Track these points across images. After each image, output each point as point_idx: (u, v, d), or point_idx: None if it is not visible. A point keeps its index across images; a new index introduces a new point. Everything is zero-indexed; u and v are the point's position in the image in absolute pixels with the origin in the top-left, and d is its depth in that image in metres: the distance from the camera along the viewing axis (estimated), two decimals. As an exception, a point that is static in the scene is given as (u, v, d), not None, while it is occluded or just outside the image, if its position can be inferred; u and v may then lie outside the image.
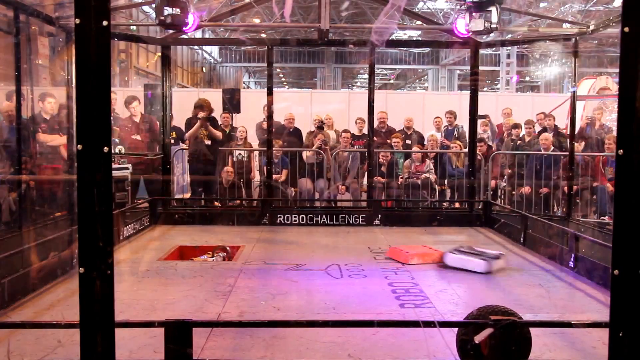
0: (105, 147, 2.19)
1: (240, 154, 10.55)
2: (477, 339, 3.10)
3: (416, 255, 6.32)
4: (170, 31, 8.49)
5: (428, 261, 6.29)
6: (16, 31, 7.19)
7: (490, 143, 11.66)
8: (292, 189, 10.47)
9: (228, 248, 6.81)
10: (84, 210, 2.21)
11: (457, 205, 10.30)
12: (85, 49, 2.19)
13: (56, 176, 8.37)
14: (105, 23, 2.19)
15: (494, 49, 27.70)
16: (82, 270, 2.24)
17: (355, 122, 11.64)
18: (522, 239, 7.37)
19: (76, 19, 2.19)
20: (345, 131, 11.09)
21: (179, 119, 10.68)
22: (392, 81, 44.19)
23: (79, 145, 2.19)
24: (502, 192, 10.90)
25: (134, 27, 17.95)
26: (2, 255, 4.89)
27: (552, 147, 10.18)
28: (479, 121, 10.06)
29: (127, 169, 9.43)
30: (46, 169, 8.46)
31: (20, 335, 3.90)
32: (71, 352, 3.63)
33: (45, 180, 8.30)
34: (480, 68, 9.34)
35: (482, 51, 13.45)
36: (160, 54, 9.56)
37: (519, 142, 10.95)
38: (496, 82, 36.04)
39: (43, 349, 3.73)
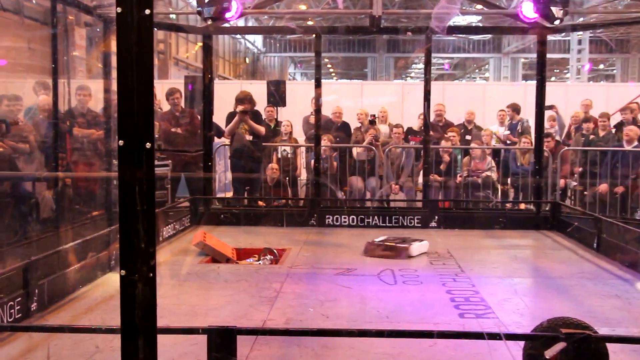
0: (148, 143, 2.21)
1: (284, 149, 10.60)
2: (548, 354, 3.04)
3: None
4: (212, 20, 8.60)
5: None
6: (53, 22, 7.39)
7: (558, 138, 11.42)
8: (341, 193, 10.42)
9: (275, 251, 6.85)
10: (125, 209, 2.24)
11: (522, 206, 10.12)
12: (126, 39, 2.22)
13: (94, 173, 8.56)
14: (147, 12, 2.22)
15: (563, 34, 27.09)
16: (123, 272, 2.27)
17: (418, 117, 11.56)
18: (595, 245, 7.19)
19: (117, 8, 2.22)
20: (398, 126, 11.02)
21: (220, 113, 10.78)
22: (450, 71, 43.76)
23: (120, 141, 2.23)
24: (573, 192, 10.67)
25: (174, 16, 18.27)
26: (38, 255, 5.01)
27: (635, 142, 9.86)
28: (546, 114, 9.87)
29: (166, 165, 9.57)
30: (83, 165, 8.65)
31: (58, 340, 4.01)
32: (110, 359, 3.71)
33: (82, 178, 8.50)
34: (548, 56, 9.17)
35: (550, 37, 13.19)
36: (201, 44, 9.68)
37: (591, 136, 10.69)
38: (565, 71, 35.31)
39: (81, 354, 3.82)
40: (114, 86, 7.90)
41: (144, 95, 2.22)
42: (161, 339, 2.39)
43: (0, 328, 4.20)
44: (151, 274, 2.27)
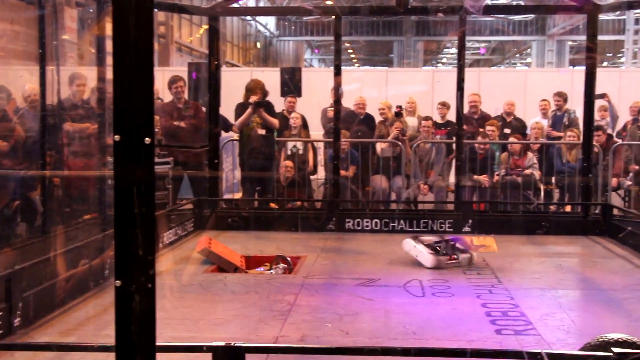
0: (147, 138, 2.22)
1: (294, 145, 10.60)
2: (596, 375, 3.03)
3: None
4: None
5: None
6: (40, 1, 7.44)
7: (610, 131, 11.36)
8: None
9: (289, 259, 6.87)
10: (122, 212, 2.25)
11: (568, 208, 10.06)
12: (124, 21, 2.23)
13: (86, 172, 8.61)
14: (147, -10, 2.24)
15: (617, 13, 26.87)
16: (118, 283, 2.28)
17: (437, 107, 11.57)
18: (652, 252, 7.15)
19: (113, -14, 2.24)
20: (427, 118, 11.02)
21: (227, 105, 10.81)
22: (487, 56, 43.60)
23: (116, 136, 2.23)
24: (626, 192, 10.60)
25: (176, -5, 18.33)
26: (23, 264, 5.03)
27: None
28: (597, 104, 9.81)
29: (168, 163, 9.61)
30: (76, 163, 8.70)
31: (44, 359, 4.05)
32: (104, 379, 3.74)
33: (74, 177, 8.56)
34: (600, 38, 9.12)
35: (602, 16, 13.09)
36: (206, 27, 9.72)
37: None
38: (620, 55, 35.05)
39: (71, 374, 3.87)
40: (109, 74, 7.99)
41: (143, 85, 2.23)
42: (160, 357, 2.40)
43: (-20, 346, 4.21)
44: (150, 285, 2.28)
